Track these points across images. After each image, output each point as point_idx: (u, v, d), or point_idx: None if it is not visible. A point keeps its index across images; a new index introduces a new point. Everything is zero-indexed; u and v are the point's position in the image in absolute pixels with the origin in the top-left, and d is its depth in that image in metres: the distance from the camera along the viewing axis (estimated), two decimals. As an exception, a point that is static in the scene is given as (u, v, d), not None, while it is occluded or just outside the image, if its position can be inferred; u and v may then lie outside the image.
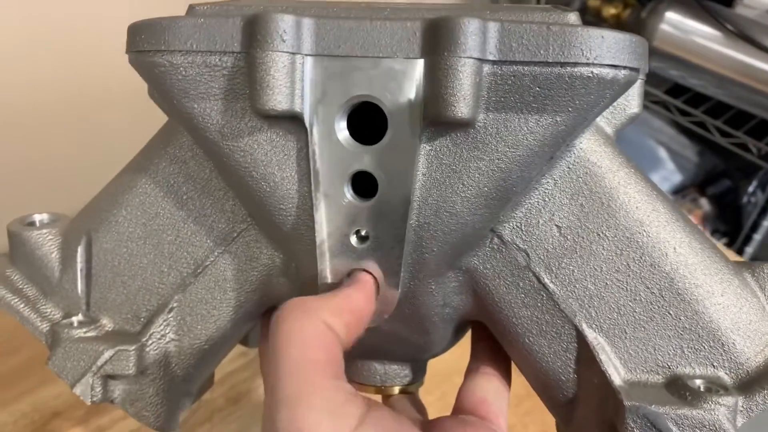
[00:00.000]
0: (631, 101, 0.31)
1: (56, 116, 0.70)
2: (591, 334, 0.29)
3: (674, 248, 0.29)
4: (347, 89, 0.26)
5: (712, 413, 0.26)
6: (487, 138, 0.26)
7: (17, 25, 0.64)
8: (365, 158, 0.27)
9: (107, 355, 0.31)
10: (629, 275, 0.29)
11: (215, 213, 0.32)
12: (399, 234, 0.28)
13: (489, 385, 0.33)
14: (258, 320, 0.36)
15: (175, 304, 0.33)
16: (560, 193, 0.29)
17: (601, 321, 0.29)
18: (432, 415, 0.37)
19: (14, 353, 0.60)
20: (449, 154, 0.27)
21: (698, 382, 0.28)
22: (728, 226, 1.20)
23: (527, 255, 0.30)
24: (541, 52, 0.25)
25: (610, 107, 0.30)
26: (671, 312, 0.29)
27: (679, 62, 0.97)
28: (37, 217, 0.35)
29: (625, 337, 0.29)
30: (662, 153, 1.19)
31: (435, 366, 0.39)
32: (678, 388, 0.28)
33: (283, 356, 0.23)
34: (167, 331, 0.33)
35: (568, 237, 0.29)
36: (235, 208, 0.31)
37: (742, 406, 0.27)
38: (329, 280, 0.29)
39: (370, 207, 0.27)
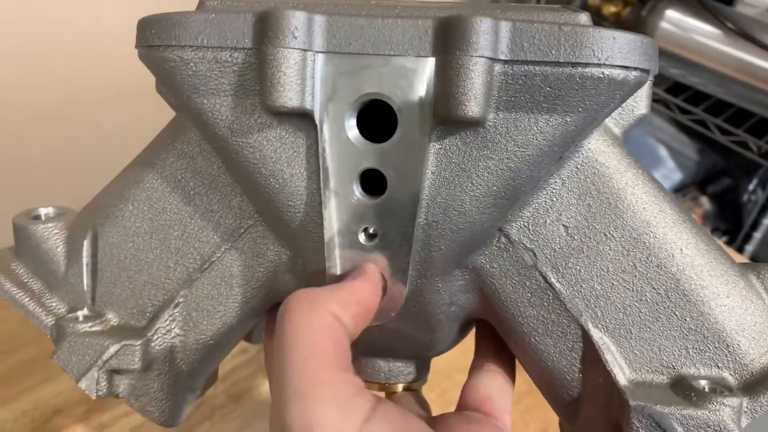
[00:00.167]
0: (639, 102, 0.31)
1: (59, 113, 0.70)
2: (597, 334, 0.30)
3: (681, 249, 0.29)
4: (358, 87, 0.26)
5: (717, 414, 0.26)
6: (497, 137, 0.26)
7: (17, 25, 0.64)
8: (374, 156, 0.27)
9: (113, 349, 0.31)
10: (636, 276, 0.29)
11: (222, 209, 0.32)
12: (407, 232, 0.28)
13: (493, 383, 0.33)
14: (263, 316, 0.36)
15: (181, 300, 0.33)
16: (568, 193, 0.29)
17: (607, 321, 0.29)
18: (432, 411, 0.37)
19: (15, 351, 0.60)
20: (459, 152, 0.27)
21: (703, 382, 0.28)
22: (728, 224, 1.20)
23: (534, 254, 0.30)
24: (553, 52, 0.25)
25: (619, 108, 0.30)
26: (677, 313, 0.29)
27: (680, 60, 0.97)
28: (43, 211, 0.35)
29: (631, 337, 0.29)
30: (662, 151, 1.19)
31: (435, 363, 0.39)
32: (683, 389, 0.28)
33: (291, 348, 0.23)
34: (173, 327, 0.33)
35: (575, 237, 0.29)
36: (243, 204, 0.31)
37: (747, 407, 0.28)
38: (337, 277, 0.29)
39: (378, 205, 0.27)
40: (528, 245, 0.30)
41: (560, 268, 0.30)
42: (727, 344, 0.29)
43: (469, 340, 0.37)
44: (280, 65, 0.25)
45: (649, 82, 0.30)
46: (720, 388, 0.28)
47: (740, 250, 1.09)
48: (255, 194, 0.30)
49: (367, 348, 0.35)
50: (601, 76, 0.25)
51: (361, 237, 0.28)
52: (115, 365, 0.32)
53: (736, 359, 0.29)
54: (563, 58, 0.25)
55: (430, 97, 0.26)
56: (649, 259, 0.29)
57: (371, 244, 0.28)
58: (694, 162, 1.20)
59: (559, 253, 0.30)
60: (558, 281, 0.30)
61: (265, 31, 0.25)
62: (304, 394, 0.22)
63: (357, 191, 0.27)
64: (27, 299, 0.33)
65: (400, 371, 0.37)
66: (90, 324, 0.32)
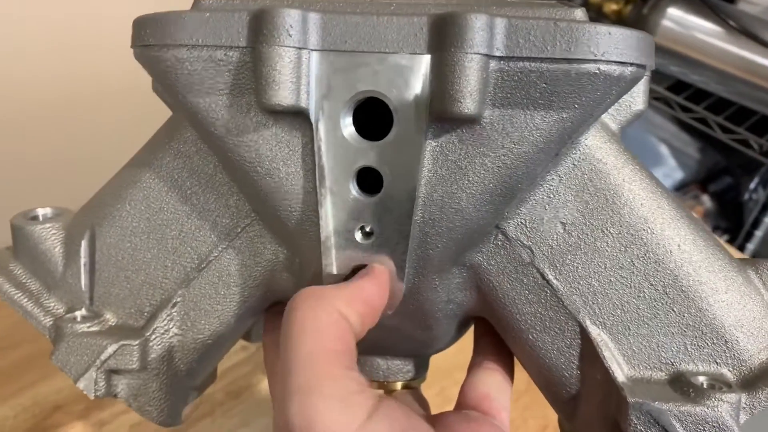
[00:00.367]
0: (636, 98, 0.31)
1: (57, 112, 0.70)
2: (594, 331, 0.29)
3: (678, 245, 0.29)
4: (353, 84, 0.26)
5: (715, 410, 0.26)
6: (493, 134, 0.26)
7: (17, 25, 0.64)
8: (370, 154, 0.27)
9: (111, 349, 0.31)
10: (633, 272, 0.29)
11: (219, 208, 0.32)
12: (404, 230, 0.27)
13: (492, 381, 0.33)
14: (261, 315, 0.36)
15: (178, 299, 0.33)
16: (565, 190, 0.29)
17: (605, 317, 0.29)
18: (431, 409, 0.37)
19: (15, 348, 0.60)
20: (455, 150, 0.27)
21: (701, 378, 0.28)
22: (730, 222, 1.20)
23: (531, 251, 0.30)
24: (548, 48, 0.24)
25: (616, 104, 0.30)
26: (675, 309, 0.29)
27: (681, 58, 0.97)
28: (41, 212, 0.35)
29: (629, 334, 0.29)
30: (663, 150, 1.19)
31: (434, 361, 0.39)
32: (681, 385, 0.28)
33: (297, 344, 0.23)
34: (171, 326, 0.33)
35: (573, 233, 0.29)
36: (240, 204, 0.31)
37: (745, 403, 0.27)
38: (334, 276, 0.29)
39: (375, 203, 0.27)
40: (525, 242, 0.30)
41: (558, 265, 0.30)
42: (726, 340, 0.29)
43: (468, 337, 0.37)
44: (275, 64, 0.25)
45: (646, 77, 0.30)
46: (719, 384, 0.28)
47: (741, 248, 1.09)
48: (251, 193, 0.30)
49: (366, 346, 0.35)
50: (597, 72, 0.25)
51: (358, 235, 0.28)
52: (114, 365, 0.32)
53: (734, 355, 0.29)
54: (559, 54, 0.24)
55: (426, 95, 0.26)
56: (647, 255, 0.29)
57: (368, 243, 0.28)
58: (696, 160, 1.20)
59: (556, 250, 0.29)
60: (555, 278, 0.30)
61: (260, 30, 0.25)
62: (308, 390, 0.22)
63: (353, 189, 0.27)
64: (25, 299, 0.33)
65: (399, 369, 0.37)
66: (88, 324, 0.32)
